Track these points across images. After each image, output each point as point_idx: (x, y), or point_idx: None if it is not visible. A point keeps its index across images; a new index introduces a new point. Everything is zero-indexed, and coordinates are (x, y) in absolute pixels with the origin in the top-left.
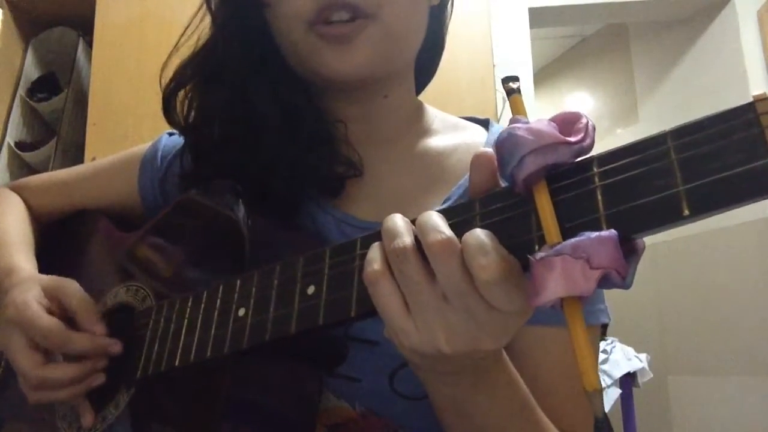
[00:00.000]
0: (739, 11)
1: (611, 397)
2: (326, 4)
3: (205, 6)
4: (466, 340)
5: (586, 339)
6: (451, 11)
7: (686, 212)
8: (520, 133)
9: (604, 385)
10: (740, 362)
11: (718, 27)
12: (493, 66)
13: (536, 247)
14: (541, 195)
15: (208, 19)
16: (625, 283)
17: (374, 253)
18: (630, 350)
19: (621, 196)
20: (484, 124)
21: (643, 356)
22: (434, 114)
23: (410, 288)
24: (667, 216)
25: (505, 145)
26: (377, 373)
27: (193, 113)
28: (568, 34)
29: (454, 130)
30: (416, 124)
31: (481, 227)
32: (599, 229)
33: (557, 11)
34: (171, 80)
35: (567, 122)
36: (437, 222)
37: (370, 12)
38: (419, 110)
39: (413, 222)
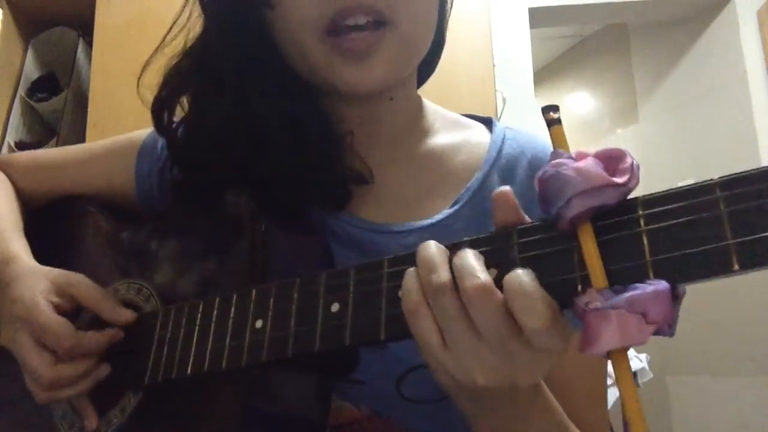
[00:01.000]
0: (739, 11)
1: (611, 397)
2: (341, 10)
3: (189, 3)
4: (501, 378)
5: (635, 388)
6: (451, 5)
7: (736, 267)
8: (568, 172)
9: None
10: (740, 362)
11: (718, 27)
12: (493, 66)
13: (579, 287)
14: (586, 237)
15: (194, 17)
16: (671, 331)
17: (411, 282)
18: (630, 350)
19: (668, 242)
20: (486, 122)
21: (643, 356)
22: (435, 111)
23: (446, 323)
24: (716, 269)
25: (551, 183)
26: (383, 377)
27: (186, 122)
28: (568, 34)
29: (456, 128)
30: (419, 123)
31: (521, 260)
32: (645, 275)
33: (557, 11)
34: (162, 87)
35: (611, 159)
36: (474, 265)
37: (387, 16)
38: (421, 109)
39: (450, 251)
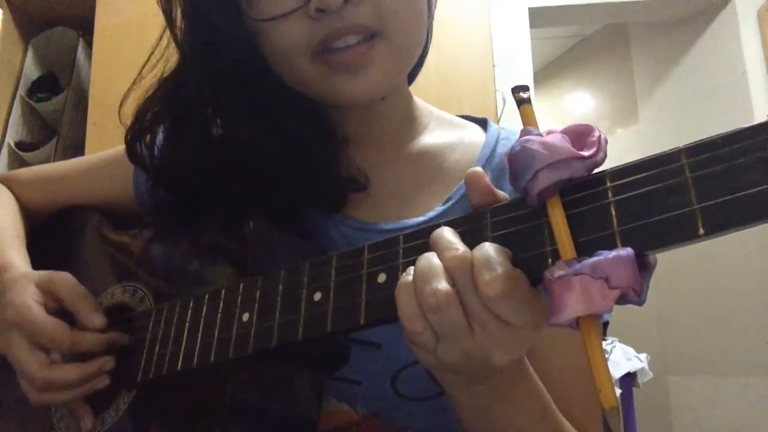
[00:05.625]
0: (739, 11)
1: None
2: (331, 33)
3: (165, 34)
4: (479, 353)
5: (603, 356)
6: (435, 4)
7: (702, 231)
8: (534, 147)
9: None
10: (740, 362)
11: (718, 27)
12: (493, 66)
13: (549, 261)
14: (555, 210)
15: (171, 47)
16: (640, 300)
17: (425, 263)
18: (630, 350)
19: (635, 212)
20: (482, 123)
21: (643, 356)
22: (428, 110)
23: (431, 299)
24: (683, 234)
25: (518, 158)
26: (379, 376)
27: (162, 150)
28: (568, 34)
29: (451, 127)
30: (412, 122)
31: (493, 238)
32: (613, 245)
33: (557, 11)
34: (134, 122)
35: (579, 135)
36: (451, 239)
37: (377, 30)
38: (413, 107)
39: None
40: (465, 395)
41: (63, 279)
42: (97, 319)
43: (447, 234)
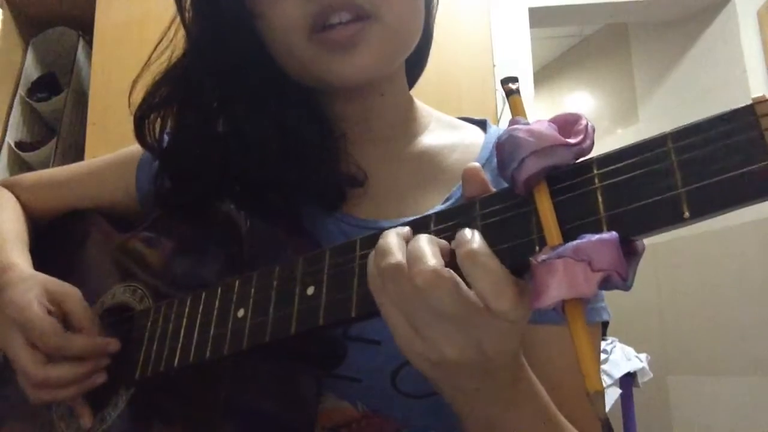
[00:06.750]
0: (739, 11)
1: (611, 397)
2: (323, 7)
3: (174, 22)
4: (470, 348)
5: (588, 340)
6: (437, 2)
7: (686, 214)
8: (520, 134)
9: (604, 385)
10: (740, 362)
11: (718, 27)
12: (493, 66)
13: (537, 249)
14: (541, 197)
15: (179, 35)
16: (626, 284)
17: (370, 266)
18: (630, 350)
19: (621, 197)
20: (481, 124)
21: (643, 356)
22: (428, 111)
23: (404, 305)
24: (668, 218)
25: (505, 146)
26: (378, 373)
27: (170, 135)
28: (568, 34)
29: (450, 128)
30: (412, 121)
31: (482, 227)
32: (599, 230)
33: (557, 11)
34: (142, 102)
35: (567, 123)
36: (424, 250)
37: (371, 11)
38: (413, 107)
39: (414, 229)
40: (466, 404)
41: (73, 293)
42: (112, 344)
43: (422, 244)
